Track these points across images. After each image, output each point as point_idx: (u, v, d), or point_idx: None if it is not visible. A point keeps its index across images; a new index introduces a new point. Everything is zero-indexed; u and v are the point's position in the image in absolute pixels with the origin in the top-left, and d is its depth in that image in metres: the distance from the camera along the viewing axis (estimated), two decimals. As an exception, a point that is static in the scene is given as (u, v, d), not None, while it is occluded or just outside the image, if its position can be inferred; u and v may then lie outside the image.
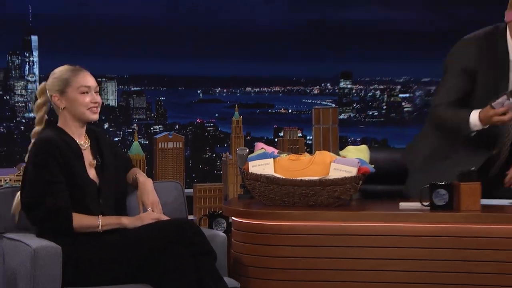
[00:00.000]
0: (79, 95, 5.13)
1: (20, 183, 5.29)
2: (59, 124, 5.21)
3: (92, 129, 5.40)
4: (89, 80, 5.25)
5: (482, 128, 4.43)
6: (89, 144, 5.23)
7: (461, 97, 4.48)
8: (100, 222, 4.91)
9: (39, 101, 5.29)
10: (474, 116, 4.44)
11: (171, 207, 5.37)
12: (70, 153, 5.06)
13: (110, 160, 5.32)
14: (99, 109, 5.30)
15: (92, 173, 5.13)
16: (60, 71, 5.29)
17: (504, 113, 4.24)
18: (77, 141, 5.17)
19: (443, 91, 5.01)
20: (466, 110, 4.53)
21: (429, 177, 5.23)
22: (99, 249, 4.88)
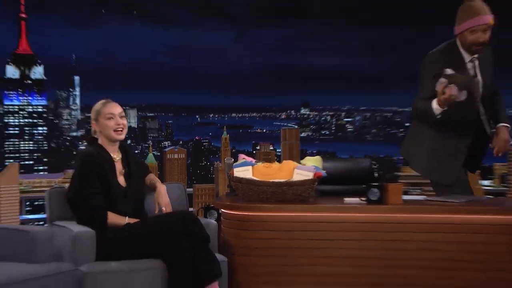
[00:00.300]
0: (107, 121, 5.16)
1: (68, 185, 5.32)
2: (99, 142, 5.23)
3: (123, 145, 5.43)
4: (114, 109, 5.24)
5: (441, 110, 4.51)
6: (120, 157, 5.27)
7: (432, 95, 4.54)
8: (126, 221, 4.99)
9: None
10: (434, 101, 4.54)
11: (176, 202, 5.39)
12: (105, 164, 5.12)
13: (134, 169, 5.34)
14: (125, 130, 5.30)
15: (121, 179, 5.17)
16: (95, 105, 5.34)
17: (444, 93, 4.34)
18: (111, 155, 5.21)
19: (420, 90, 5.11)
20: (432, 100, 4.65)
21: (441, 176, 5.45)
22: (123, 233, 4.91)
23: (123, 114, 5.39)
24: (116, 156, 5.24)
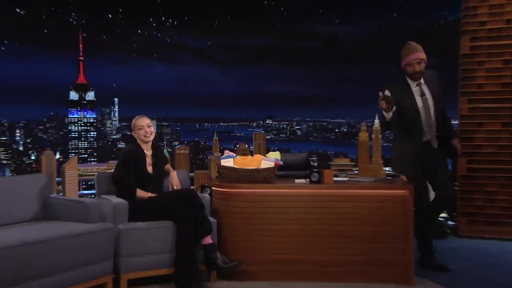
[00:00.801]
0: (138, 131, 5.23)
1: (113, 170, 5.37)
2: (138, 142, 5.26)
3: (156, 145, 5.45)
4: (143, 122, 5.25)
5: (388, 116, 4.56)
6: (151, 153, 5.29)
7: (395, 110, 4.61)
8: (149, 195, 5.03)
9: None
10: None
11: (183, 182, 5.40)
12: (139, 158, 5.18)
13: (159, 161, 5.34)
14: (152, 135, 5.29)
15: (149, 168, 5.21)
16: (133, 119, 5.39)
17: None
18: (145, 152, 5.25)
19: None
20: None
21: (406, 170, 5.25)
22: (146, 203, 4.94)
23: (150, 124, 5.37)
24: (148, 152, 5.27)
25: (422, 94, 4.79)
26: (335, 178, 5.84)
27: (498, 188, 6.58)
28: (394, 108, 4.43)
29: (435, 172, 5.08)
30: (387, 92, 4.23)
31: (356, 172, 5.95)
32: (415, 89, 4.79)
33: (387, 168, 6.62)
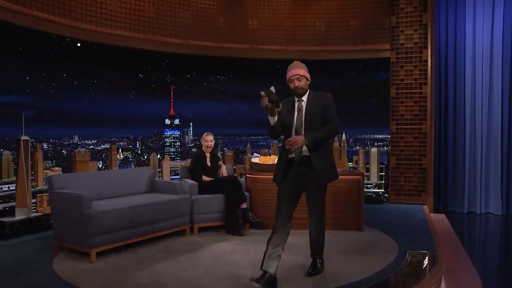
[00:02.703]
0: (204, 142, 5.06)
1: (189, 164, 5.24)
2: (202, 148, 5.05)
3: (213, 150, 5.14)
4: (208, 138, 5.07)
5: (272, 120, 2.91)
6: (209, 154, 5.05)
7: (280, 119, 2.93)
8: (208, 180, 4.90)
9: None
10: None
11: (229, 171, 5.27)
12: (203, 157, 5.00)
13: (214, 159, 5.10)
14: (211, 148, 5.08)
15: (208, 163, 5.01)
16: (203, 134, 5.15)
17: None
18: (206, 154, 5.04)
19: None
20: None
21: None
22: (207, 183, 4.87)
23: (212, 139, 5.11)
24: (207, 154, 5.03)
25: (299, 110, 3.14)
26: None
27: (412, 174, 6.40)
28: (276, 111, 2.90)
29: (306, 193, 3.26)
30: (272, 88, 2.75)
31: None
32: (295, 104, 3.16)
33: (350, 163, 6.59)
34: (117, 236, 3.86)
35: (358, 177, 4.76)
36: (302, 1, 6.77)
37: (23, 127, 4.74)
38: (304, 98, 3.16)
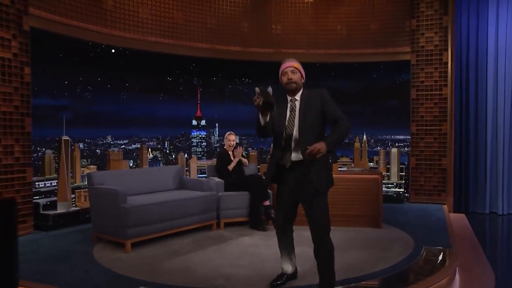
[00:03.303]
0: (227, 141, 5.23)
1: (215, 163, 5.44)
2: (225, 147, 5.20)
3: (234, 147, 5.23)
4: (231, 137, 5.23)
5: (262, 120, 2.65)
6: (232, 152, 5.18)
7: (272, 119, 2.71)
8: (234, 176, 5.08)
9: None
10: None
11: (253, 171, 5.50)
12: (227, 155, 5.17)
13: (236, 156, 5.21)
14: (233, 146, 5.20)
15: (234, 162, 5.15)
16: (226, 134, 5.30)
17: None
18: (229, 152, 5.20)
19: None
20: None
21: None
22: (234, 181, 5.09)
23: (235, 139, 5.25)
24: (230, 152, 5.15)
25: (291, 110, 2.77)
26: (339, 168, 5.93)
27: (432, 175, 6.48)
28: (269, 112, 2.63)
29: (302, 204, 2.83)
30: (270, 89, 2.50)
31: (353, 166, 6.04)
32: (288, 105, 2.79)
33: (371, 164, 6.69)
34: (150, 229, 4.16)
35: (376, 176, 4.91)
36: (324, 6, 6.95)
37: (64, 128, 5.12)
38: (298, 97, 2.79)
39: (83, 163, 6.39)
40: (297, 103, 2.78)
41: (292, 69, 2.77)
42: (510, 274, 3.95)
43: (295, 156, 2.73)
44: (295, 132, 2.72)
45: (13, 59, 4.38)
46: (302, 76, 2.82)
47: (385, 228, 4.84)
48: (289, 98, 2.81)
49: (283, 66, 2.81)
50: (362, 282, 3.12)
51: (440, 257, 3.71)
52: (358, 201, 4.87)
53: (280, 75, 2.82)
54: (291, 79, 2.75)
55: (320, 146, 2.49)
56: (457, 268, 3.53)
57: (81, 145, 6.48)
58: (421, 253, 3.80)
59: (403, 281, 3.18)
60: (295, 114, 2.76)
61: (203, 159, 8.10)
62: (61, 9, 5.13)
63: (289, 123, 2.75)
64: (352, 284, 3.06)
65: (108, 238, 4.19)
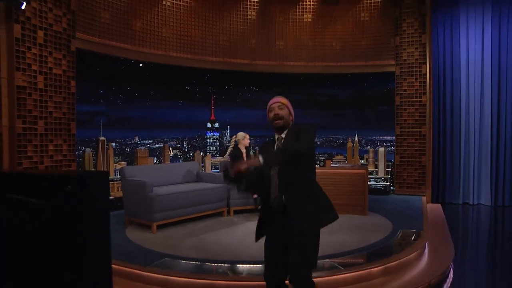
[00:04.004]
0: (242, 140, 5.20)
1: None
2: (239, 146, 5.12)
3: (247, 147, 5.15)
4: (245, 140, 5.19)
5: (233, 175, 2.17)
6: (244, 150, 5.11)
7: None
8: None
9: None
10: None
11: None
12: (241, 153, 5.11)
13: (247, 154, 5.11)
14: (246, 144, 5.10)
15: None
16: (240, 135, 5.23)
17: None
18: (242, 151, 5.14)
19: None
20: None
21: None
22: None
23: (248, 140, 5.20)
24: (243, 150, 5.09)
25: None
26: (332, 165, 6.21)
27: (413, 170, 6.69)
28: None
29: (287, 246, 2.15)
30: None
31: (346, 162, 6.24)
32: (275, 144, 2.24)
33: (362, 161, 6.90)
34: (172, 214, 4.51)
35: (363, 171, 5.20)
36: (321, 25, 7.23)
37: (101, 130, 5.49)
38: (283, 135, 2.24)
39: (115, 159, 6.77)
40: (280, 144, 2.22)
41: (279, 104, 2.25)
42: (466, 249, 4.29)
43: (278, 198, 2.16)
44: (276, 174, 2.17)
45: (62, 75, 4.77)
46: (290, 112, 2.27)
47: (370, 215, 5.13)
48: (276, 136, 2.27)
49: (270, 102, 2.29)
50: (345, 257, 3.44)
51: (412, 237, 4.02)
52: (347, 192, 5.12)
53: (267, 111, 2.29)
54: (278, 114, 2.21)
55: (254, 161, 2.07)
56: (426, 246, 3.83)
57: (113, 145, 6.86)
58: (396, 235, 4.11)
59: (380, 255, 3.47)
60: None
61: (216, 156, 8.45)
62: (99, 32, 5.50)
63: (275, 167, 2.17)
64: (337, 259, 3.37)
65: (138, 221, 4.55)
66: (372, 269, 3.14)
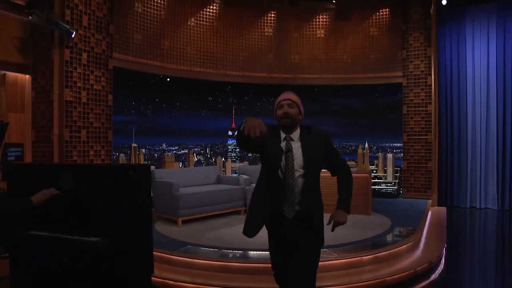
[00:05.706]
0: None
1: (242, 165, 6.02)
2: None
3: None
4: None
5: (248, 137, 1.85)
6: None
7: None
8: None
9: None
10: None
11: None
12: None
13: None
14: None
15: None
16: None
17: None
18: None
19: None
20: None
21: None
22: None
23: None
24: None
25: (287, 151, 2.06)
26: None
27: (420, 175, 7.03)
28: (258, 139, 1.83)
29: (294, 254, 2.09)
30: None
31: (356, 168, 6.51)
32: (283, 144, 2.08)
33: (372, 166, 7.22)
34: (195, 211, 5.08)
35: (367, 175, 5.63)
36: (333, 40, 7.71)
37: (133, 137, 6.17)
38: (294, 137, 2.10)
39: (145, 164, 7.46)
40: (294, 145, 2.08)
41: (289, 102, 2.09)
42: (458, 246, 4.63)
43: (296, 203, 2.06)
44: (296, 181, 2.05)
45: (101, 90, 5.48)
46: (300, 111, 2.13)
47: (373, 215, 5.53)
48: (282, 135, 2.11)
49: (280, 98, 2.14)
50: (342, 247, 3.91)
51: (406, 233, 4.45)
52: (353, 194, 5.52)
53: (275, 107, 2.15)
54: (287, 113, 2.08)
55: (344, 218, 2.08)
56: (421, 241, 4.26)
57: (144, 150, 7.55)
58: (393, 231, 4.55)
59: (374, 247, 3.92)
60: (292, 158, 2.05)
61: (236, 161, 9.03)
62: (132, 51, 6.22)
63: (289, 167, 2.05)
64: (334, 249, 3.83)
65: (165, 217, 5.16)
66: (363, 257, 3.59)
